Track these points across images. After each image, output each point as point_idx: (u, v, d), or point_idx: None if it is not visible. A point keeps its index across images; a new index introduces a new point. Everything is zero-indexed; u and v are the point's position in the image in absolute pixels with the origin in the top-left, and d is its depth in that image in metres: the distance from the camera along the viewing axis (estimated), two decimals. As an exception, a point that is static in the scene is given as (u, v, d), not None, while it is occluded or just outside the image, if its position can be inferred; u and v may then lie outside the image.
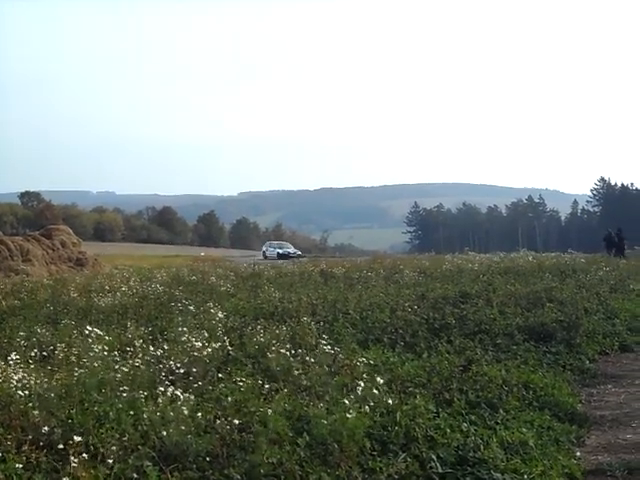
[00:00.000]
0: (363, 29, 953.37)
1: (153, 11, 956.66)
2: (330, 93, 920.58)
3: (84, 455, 5.87)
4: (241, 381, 8.42)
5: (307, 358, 9.65)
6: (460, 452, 6.84)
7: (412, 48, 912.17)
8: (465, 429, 7.42)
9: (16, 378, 8.24)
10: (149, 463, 5.99)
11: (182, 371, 9.21)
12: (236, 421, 6.87)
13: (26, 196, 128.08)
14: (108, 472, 5.82)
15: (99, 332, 11.04)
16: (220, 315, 13.15)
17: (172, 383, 8.52)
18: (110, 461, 5.99)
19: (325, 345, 10.13)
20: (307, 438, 6.59)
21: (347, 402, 7.19)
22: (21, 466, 5.77)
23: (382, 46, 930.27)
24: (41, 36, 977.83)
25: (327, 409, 7.22)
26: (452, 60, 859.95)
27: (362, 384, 7.88)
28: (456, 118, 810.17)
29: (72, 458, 5.78)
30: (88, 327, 11.40)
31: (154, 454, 6.24)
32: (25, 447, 6.48)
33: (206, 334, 11.15)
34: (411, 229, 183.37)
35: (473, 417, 8.01)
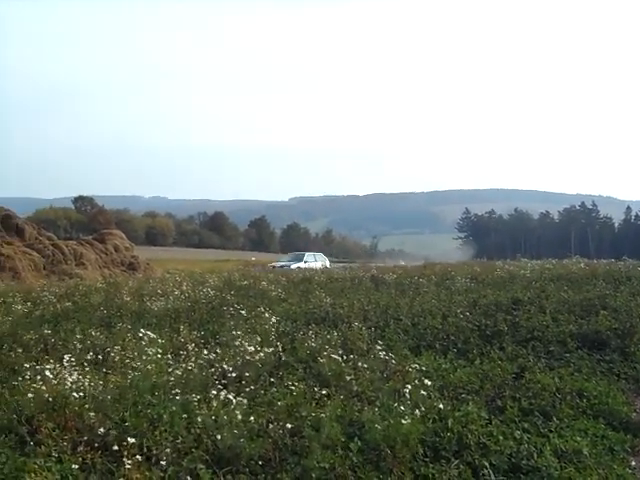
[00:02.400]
0: (405, 34, 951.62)
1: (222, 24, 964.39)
2: (380, 101, 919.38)
3: (138, 457, 5.93)
4: (293, 385, 8.43)
5: (359, 364, 9.64)
6: (513, 460, 6.78)
7: (460, 50, 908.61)
8: (518, 437, 7.34)
9: (71, 380, 8.36)
10: (202, 466, 6.03)
11: (234, 375, 9.26)
12: (288, 425, 6.89)
13: (79, 201, 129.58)
14: (162, 474, 5.88)
15: (153, 335, 11.15)
16: (273, 320, 13.20)
17: (224, 387, 8.56)
18: (164, 463, 6.04)
19: (379, 351, 10.11)
20: (359, 443, 6.58)
21: (402, 408, 7.16)
22: (77, 467, 5.85)
23: (429, 51, 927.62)
24: (114, 43, 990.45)
25: (380, 415, 7.20)
26: (504, 65, 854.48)
27: (414, 390, 7.86)
28: (509, 124, 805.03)
29: (126, 460, 5.84)
30: (142, 330, 11.52)
31: (207, 457, 6.29)
32: (80, 448, 6.58)
33: (259, 338, 11.19)
34: (462, 235, 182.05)
35: (526, 425, 7.92)
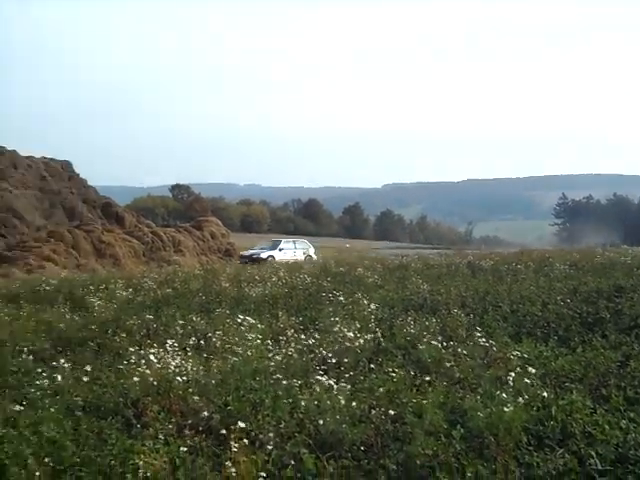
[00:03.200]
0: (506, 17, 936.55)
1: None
2: (474, 86, 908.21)
3: (245, 441, 6.00)
4: (393, 372, 8.41)
5: (458, 350, 9.55)
6: (620, 450, 6.61)
7: (560, 38, 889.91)
8: (624, 426, 7.15)
9: (174, 364, 8.52)
10: (305, 450, 6.06)
11: (334, 361, 9.29)
12: (390, 411, 6.88)
13: (176, 189, 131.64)
14: (266, 458, 5.93)
15: (252, 321, 11.27)
16: (372, 307, 13.19)
17: (324, 372, 8.61)
18: (270, 447, 6.10)
19: (479, 338, 10.01)
20: (462, 430, 6.52)
21: (505, 395, 7.07)
22: (185, 449, 5.95)
23: (519, 36, 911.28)
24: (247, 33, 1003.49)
25: (482, 402, 7.12)
26: (596, 49, 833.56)
27: (517, 377, 7.76)
28: (604, 108, 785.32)
29: (233, 443, 5.92)
30: (241, 316, 11.65)
31: (310, 442, 6.32)
32: (185, 431, 6.70)
33: (357, 325, 11.20)
34: (559, 221, 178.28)
35: (632, 414, 7.72)
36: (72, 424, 6.59)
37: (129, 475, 5.47)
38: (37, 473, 5.41)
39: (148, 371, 8.09)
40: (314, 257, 44.67)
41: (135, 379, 7.87)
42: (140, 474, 5.48)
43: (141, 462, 5.58)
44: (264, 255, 44.55)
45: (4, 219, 40.53)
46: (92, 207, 48.02)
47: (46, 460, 5.62)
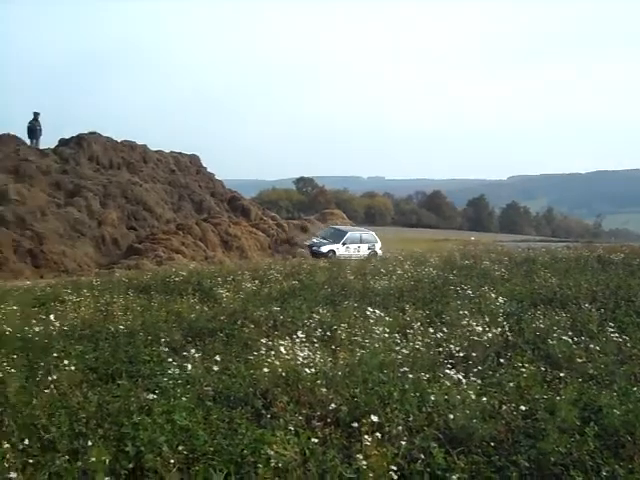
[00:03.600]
0: None
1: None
2: (608, 75, 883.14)
3: (377, 434, 5.99)
4: (522, 367, 8.25)
5: (590, 346, 9.31)
6: None
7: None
8: None
9: (302, 356, 8.58)
10: (435, 445, 6.00)
11: (461, 355, 9.19)
12: (522, 407, 6.75)
13: (301, 182, 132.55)
14: (396, 451, 5.90)
15: (380, 313, 11.24)
16: (500, 300, 12.99)
17: (452, 366, 8.52)
18: (403, 442, 6.06)
19: (611, 333, 9.72)
20: (596, 428, 6.34)
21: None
22: (316, 441, 5.97)
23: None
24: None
25: (618, 399, 6.91)
26: None
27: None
28: None
29: (365, 437, 5.91)
30: (369, 309, 11.65)
31: (440, 436, 6.26)
32: (314, 422, 6.73)
33: (486, 318, 11.04)
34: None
35: None
36: (203, 413, 6.70)
37: (260, 465, 5.53)
38: (172, 461, 5.53)
39: (277, 362, 8.17)
40: (380, 252, 38.58)
41: (265, 370, 7.97)
42: (271, 464, 5.53)
43: (272, 452, 5.63)
44: (324, 249, 39.04)
45: (135, 212, 41.68)
46: (219, 200, 48.86)
47: (180, 448, 5.75)
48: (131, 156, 48.10)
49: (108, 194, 41.58)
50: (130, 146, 49.28)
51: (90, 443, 5.66)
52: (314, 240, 41.25)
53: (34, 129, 44.67)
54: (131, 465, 5.55)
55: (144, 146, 50.36)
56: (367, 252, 38.80)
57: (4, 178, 39.66)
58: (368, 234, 42.23)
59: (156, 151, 51.12)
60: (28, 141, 45.03)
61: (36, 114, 44.32)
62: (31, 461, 5.45)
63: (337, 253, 38.14)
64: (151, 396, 7.07)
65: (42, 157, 43.56)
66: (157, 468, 5.49)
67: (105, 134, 48.57)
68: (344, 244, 39.63)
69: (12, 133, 45.64)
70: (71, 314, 13.44)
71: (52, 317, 12.29)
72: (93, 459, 5.32)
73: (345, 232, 41.51)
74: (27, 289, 19.33)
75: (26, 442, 5.73)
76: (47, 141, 46.57)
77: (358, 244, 40.10)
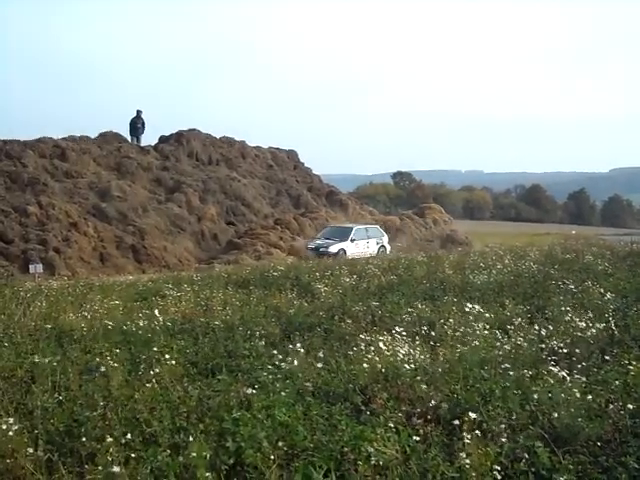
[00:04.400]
0: None
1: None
2: None
3: (477, 432, 5.87)
4: (629, 364, 7.99)
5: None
6: None
7: None
8: None
9: (402, 352, 8.50)
10: (540, 444, 5.84)
11: (565, 351, 8.96)
12: (630, 406, 6.53)
13: (398, 176, 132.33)
14: (498, 450, 5.77)
15: (480, 309, 11.08)
16: (608, 296, 12.65)
17: (555, 363, 8.31)
18: (504, 440, 5.93)
19: None
20: None
21: None
22: (417, 439, 5.89)
23: None
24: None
25: None
26: None
27: None
28: None
29: (465, 434, 5.80)
30: (469, 304, 11.49)
31: (545, 435, 6.10)
32: (414, 419, 6.65)
33: (590, 314, 10.76)
34: None
35: None
36: (303, 409, 6.68)
37: (360, 462, 5.47)
38: (272, 457, 5.52)
39: (376, 358, 8.11)
40: (388, 248, 37.24)
41: (364, 365, 7.92)
42: (372, 461, 5.47)
43: (372, 449, 5.57)
44: (334, 249, 34.64)
45: (234, 207, 42.15)
46: (317, 195, 48.97)
47: (280, 444, 5.73)
48: (230, 152, 48.68)
49: (207, 190, 42.17)
50: (229, 142, 49.90)
51: (191, 438, 5.70)
52: (318, 241, 36.38)
53: (136, 126, 45.61)
54: (231, 461, 5.57)
55: (242, 142, 50.92)
56: (377, 248, 36.66)
57: (107, 175, 40.65)
58: (373, 228, 39.29)
59: (254, 147, 51.60)
60: (130, 138, 46.01)
61: (139, 111, 45.25)
62: (134, 455, 5.52)
63: (348, 252, 34.74)
64: (250, 391, 7.07)
65: (143, 154, 44.47)
66: (257, 464, 5.49)
67: (204, 131, 49.34)
68: (352, 241, 36.05)
69: (115, 131, 46.77)
70: (172, 308, 13.64)
71: (156, 312, 12.49)
72: (194, 454, 5.34)
73: (350, 228, 37.55)
74: (129, 284, 19.73)
75: (129, 436, 5.80)
76: (147, 138, 47.54)
77: (366, 240, 36.94)
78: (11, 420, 6.07)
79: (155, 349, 9.25)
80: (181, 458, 5.45)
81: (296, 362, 8.38)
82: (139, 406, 6.66)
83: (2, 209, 34.19)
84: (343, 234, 36.48)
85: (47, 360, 8.67)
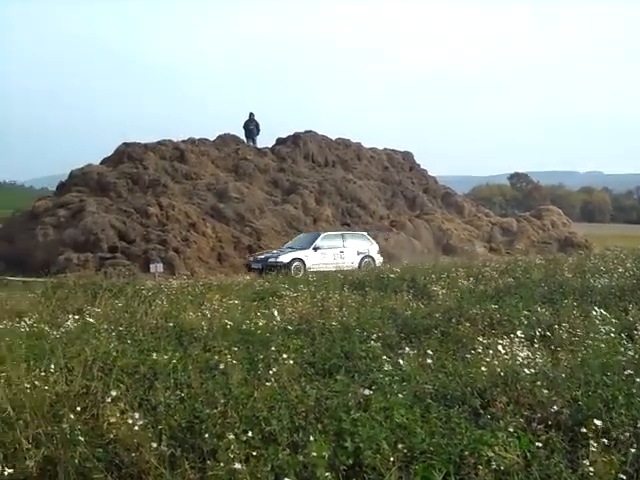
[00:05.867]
0: None
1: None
2: None
3: (604, 440, 5.72)
4: None
5: None
6: None
7: None
8: None
9: (522, 356, 8.35)
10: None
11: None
12: None
13: (515, 177, 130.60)
14: (623, 459, 5.60)
15: (605, 313, 10.82)
16: None
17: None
18: (632, 449, 5.76)
19: None
20: None
21: None
22: (540, 445, 5.78)
23: None
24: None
25: None
26: None
27: None
28: None
29: (592, 442, 5.66)
30: (596, 308, 11.26)
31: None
32: (534, 424, 6.53)
33: None
34: None
35: None
36: (421, 411, 6.64)
37: (481, 466, 5.41)
38: (391, 458, 5.50)
39: (495, 361, 8.00)
40: (378, 259, 31.54)
41: (483, 369, 7.82)
42: (492, 466, 5.39)
43: (492, 454, 5.49)
44: (285, 258, 29.39)
45: (349, 209, 42.29)
46: (432, 197, 48.65)
47: (399, 446, 5.71)
48: (345, 154, 48.90)
49: (323, 191, 42.46)
50: (344, 144, 50.11)
51: (312, 438, 5.73)
52: (274, 251, 31.54)
53: (250, 129, 46.31)
54: (350, 461, 5.58)
55: (358, 144, 51.06)
56: (357, 259, 30.99)
57: (225, 177, 41.39)
58: (357, 236, 33.31)
59: (370, 148, 51.68)
60: (246, 141, 46.77)
61: (251, 114, 45.97)
62: (254, 453, 5.58)
63: (308, 262, 29.65)
64: (368, 392, 7.07)
65: (260, 156, 45.10)
66: (376, 465, 5.48)
67: (321, 132, 49.73)
68: (317, 249, 30.54)
69: (232, 133, 47.60)
70: (288, 309, 13.77)
71: (275, 312, 12.65)
72: (314, 454, 5.37)
73: (317, 235, 32.44)
74: (247, 284, 20.06)
75: (249, 434, 5.87)
76: (264, 140, 48.26)
77: (340, 248, 31.12)
78: (136, 415, 6.24)
79: (273, 348, 9.35)
80: (301, 457, 5.49)
81: (412, 364, 8.35)
82: (258, 404, 6.73)
83: (124, 210, 35.27)
84: (307, 242, 31.63)
85: (168, 358, 8.88)
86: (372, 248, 32.09)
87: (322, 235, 31.91)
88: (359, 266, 29.76)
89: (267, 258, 29.69)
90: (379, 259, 31.53)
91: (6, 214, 44.47)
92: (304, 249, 30.49)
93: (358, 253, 31.12)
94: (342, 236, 32.31)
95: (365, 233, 33.95)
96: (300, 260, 29.52)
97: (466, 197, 57.49)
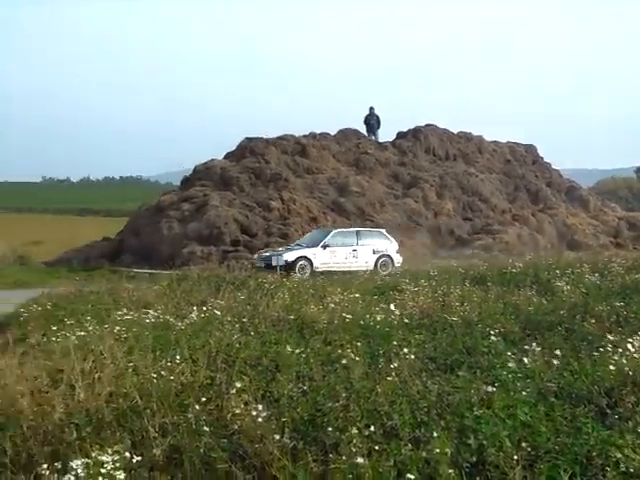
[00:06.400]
0: None
1: None
2: None
3: None
4: None
5: None
6: None
7: None
8: None
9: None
10: None
11: None
12: None
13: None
14: None
15: None
16: None
17: None
18: None
19: None
20: None
21: None
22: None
23: None
24: None
25: None
26: None
27: None
28: None
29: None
30: None
31: None
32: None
33: None
34: None
35: None
36: (545, 409, 6.51)
37: (609, 468, 5.26)
38: (515, 457, 5.41)
39: (624, 360, 7.77)
40: (397, 259, 28.87)
41: (611, 367, 7.61)
42: (621, 468, 5.24)
43: (621, 455, 5.34)
44: (289, 257, 26.98)
45: (470, 203, 41.85)
46: (556, 191, 47.64)
47: (523, 445, 5.61)
48: (467, 147, 48.43)
49: (444, 185, 42.16)
50: (466, 137, 49.63)
51: (435, 434, 5.69)
52: (279, 249, 29.34)
53: (370, 123, 46.36)
54: (474, 458, 5.52)
55: (480, 137, 50.49)
56: (373, 259, 28.43)
57: (345, 171, 41.55)
58: (373, 233, 30.38)
59: (491, 142, 51.00)
60: (367, 135, 46.87)
61: (371, 108, 46.00)
62: (377, 448, 5.58)
63: (315, 261, 27.35)
64: (491, 389, 6.98)
65: (381, 150, 45.10)
66: (499, 463, 5.41)
67: (441, 126, 49.38)
68: (325, 247, 27.98)
69: (353, 127, 47.76)
70: (409, 303, 13.70)
71: (392, 306, 12.62)
72: (437, 450, 5.34)
73: (329, 231, 29.76)
74: (368, 278, 20.06)
75: (371, 428, 5.88)
76: (386, 134, 48.28)
77: (353, 247, 28.55)
78: (260, 407, 6.33)
79: (394, 343, 9.34)
80: (423, 453, 5.46)
81: (530, 361, 8.20)
82: (380, 399, 6.73)
83: (247, 204, 35.86)
84: (316, 239, 29.17)
85: (291, 350, 8.97)
86: (391, 247, 29.44)
87: (334, 232, 29.34)
88: (375, 266, 27.56)
89: (271, 256, 27.47)
90: (398, 259, 28.97)
91: (133, 208, 45.87)
92: (312, 247, 28.16)
93: (374, 252, 28.60)
94: (357, 233, 29.64)
95: (383, 230, 30.89)
96: (306, 259, 27.31)
97: (591, 191, 56.01)
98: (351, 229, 30.65)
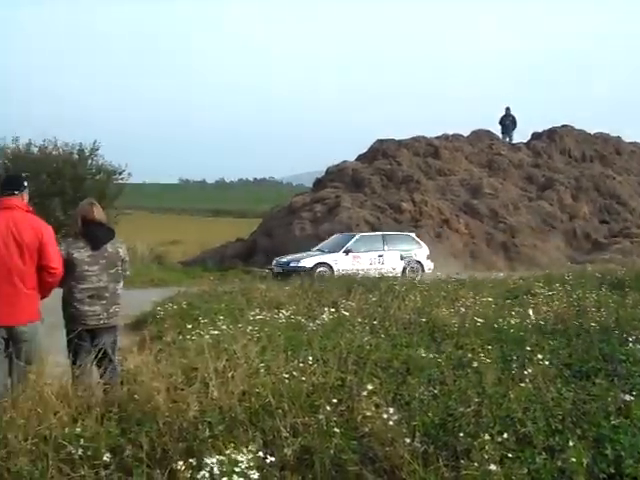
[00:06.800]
0: None
1: None
2: None
3: None
4: None
5: None
6: None
7: None
8: None
9: None
10: None
11: None
12: None
13: None
14: None
15: None
16: None
17: None
18: None
19: None
20: None
21: None
22: None
23: None
24: None
25: None
26: None
27: None
28: None
29: None
30: None
31: None
32: None
33: None
34: None
35: None
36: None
37: None
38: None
39: None
40: (427, 266, 27.70)
41: None
42: None
43: None
44: (307, 263, 26.11)
45: (608, 206, 40.69)
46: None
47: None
48: (604, 148, 47.13)
49: (580, 187, 41.19)
50: (603, 138, 48.34)
51: (571, 443, 5.55)
52: (298, 254, 27.97)
53: (506, 124, 45.75)
54: (611, 469, 5.35)
55: (618, 138, 49.07)
56: (400, 264, 27.04)
57: (478, 172, 41.17)
58: (401, 237, 29.06)
59: (630, 143, 49.46)
60: (501, 136, 46.31)
61: (507, 109, 45.35)
62: (509, 455, 5.49)
63: (336, 267, 26.05)
64: (629, 397, 6.77)
65: (514, 151, 44.50)
66: (637, 475, 5.23)
67: (578, 127, 48.30)
68: (348, 252, 27.04)
69: (486, 128, 47.28)
70: (543, 307, 13.44)
71: (530, 311, 12.40)
72: (573, 459, 5.21)
73: (352, 236, 28.62)
74: (500, 281, 19.78)
75: (504, 435, 5.78)
76: (521, 135, 47.62)
77: (379, 252, 27.44)
78: (391, 410, 6.31)
79: (527, 348, 9.17)
80: (558, 462, 5.33)
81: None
82: (513, 405, 6.61)
83: (378, 205, 35.95)
84: (338, 244, 28.10)
85: (422, 353, 8.93)
86: (420, 252, 28.20)
87: (357, 236, 28.40)
88: (403, 273, 25.88)
89: (289, 262, 26.70)
90: (429, 265, 27.85)
91: (266, 209, 46.64)
92: (333, 252, 27.30)
93: (402, 258, 27.45)
94: (383, 238, 28.40)
95: (412, 234, 29.81)
96: (327, 265, 26.33)
97: None
98: (377, 233, 29.80)
